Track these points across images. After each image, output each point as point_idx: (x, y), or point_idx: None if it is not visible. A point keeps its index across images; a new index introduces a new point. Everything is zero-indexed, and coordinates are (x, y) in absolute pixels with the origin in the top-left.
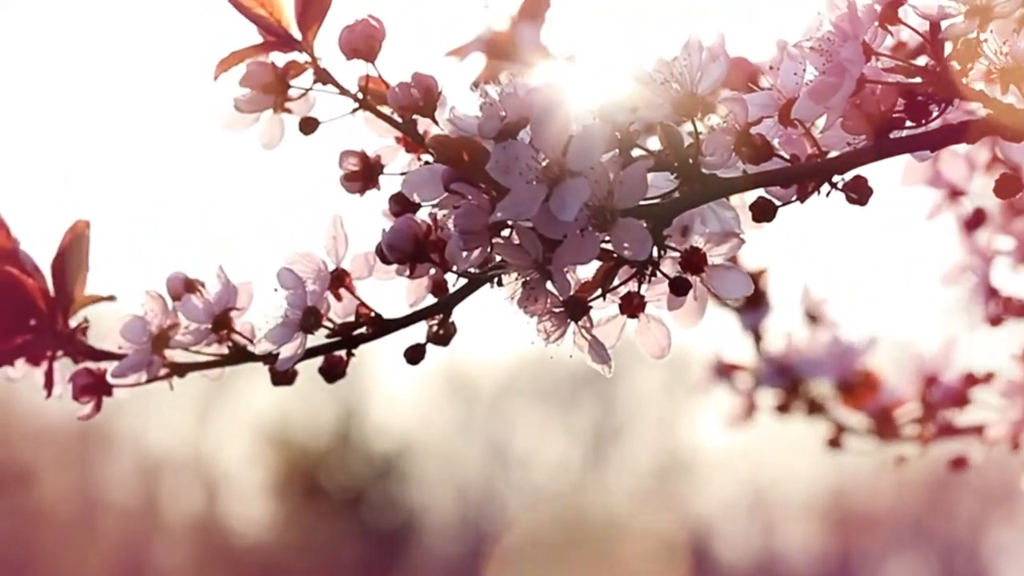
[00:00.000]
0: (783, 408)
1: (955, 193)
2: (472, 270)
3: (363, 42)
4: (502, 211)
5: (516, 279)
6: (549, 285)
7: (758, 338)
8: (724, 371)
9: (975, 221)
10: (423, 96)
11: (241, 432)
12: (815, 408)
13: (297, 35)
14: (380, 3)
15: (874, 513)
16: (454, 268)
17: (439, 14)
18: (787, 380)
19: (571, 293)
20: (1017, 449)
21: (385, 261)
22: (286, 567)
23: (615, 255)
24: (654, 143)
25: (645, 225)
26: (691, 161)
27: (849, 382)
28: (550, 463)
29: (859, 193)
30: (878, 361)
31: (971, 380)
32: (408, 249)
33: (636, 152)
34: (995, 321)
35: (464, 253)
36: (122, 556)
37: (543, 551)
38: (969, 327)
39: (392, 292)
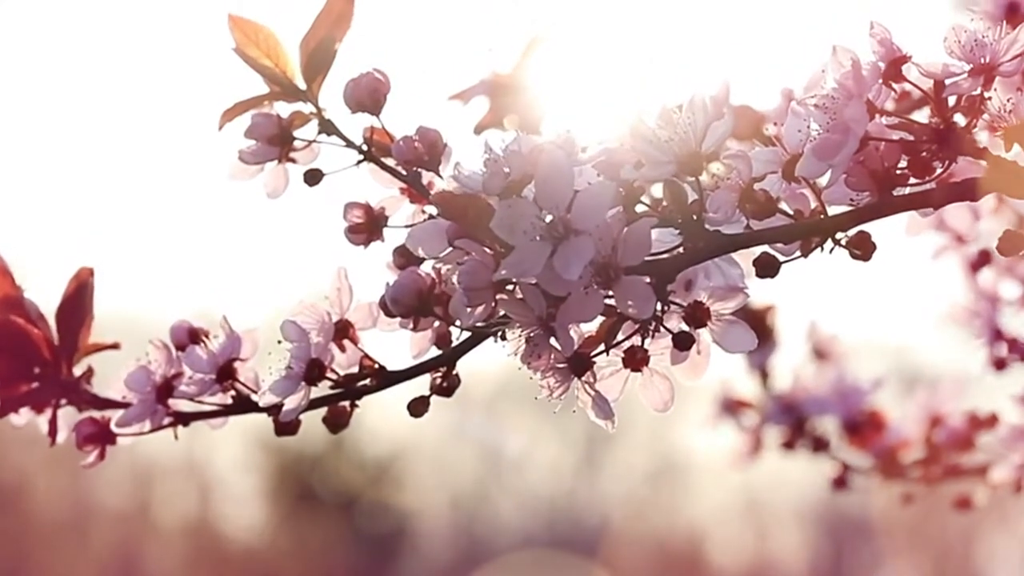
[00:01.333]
0: (788, 445)
1: (960, 238)
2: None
3: (368, 96)
4: (507, 269)
5: (520, 334)
6: (553, 341)
7: (765, 375)
8: (731, 407)
9: (980, 263)
10: (427, 150)
11: (234, 436)
12: (820, 446)
13: (302, 86)
14: (384, 53)
15: (867, 518)
16: (458, 323)
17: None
18: (793, 418)
19: (575, 348)
20: (1020, 492)
21: (389, 314)
22: (279, 572)
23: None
24: (658, 189)
25: (649, 280)
26: (695, 217)
27: (854, 421)
28: (543, 468)
29: (862, 249)
30: (883, 396)
31: (975, 423)
32: (412, 303)
33: (640, 207)
34: (1000, 364)
35: (468, 309)
36: (114, 560)
37: (536, 556)
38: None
39: (396, 340)
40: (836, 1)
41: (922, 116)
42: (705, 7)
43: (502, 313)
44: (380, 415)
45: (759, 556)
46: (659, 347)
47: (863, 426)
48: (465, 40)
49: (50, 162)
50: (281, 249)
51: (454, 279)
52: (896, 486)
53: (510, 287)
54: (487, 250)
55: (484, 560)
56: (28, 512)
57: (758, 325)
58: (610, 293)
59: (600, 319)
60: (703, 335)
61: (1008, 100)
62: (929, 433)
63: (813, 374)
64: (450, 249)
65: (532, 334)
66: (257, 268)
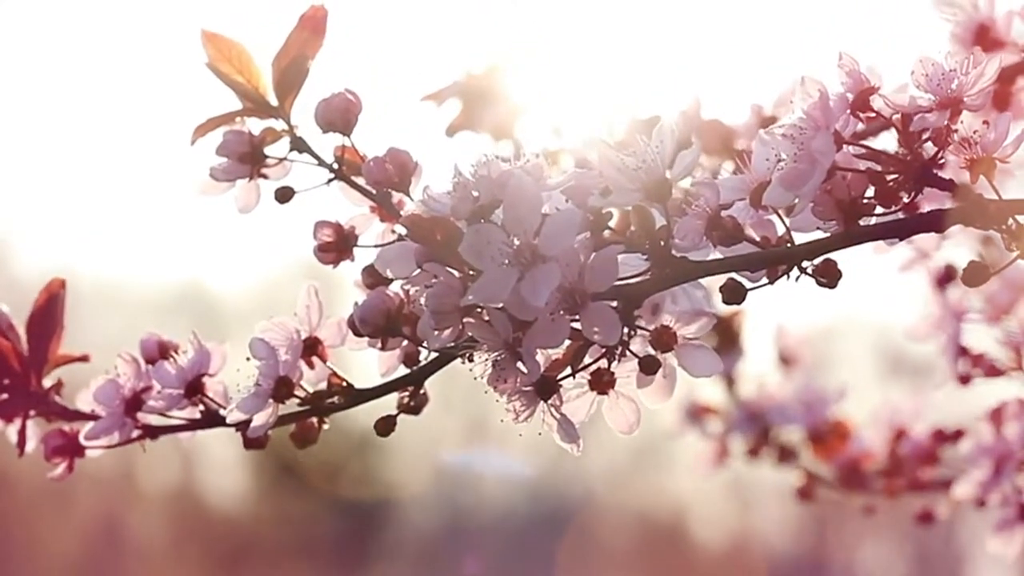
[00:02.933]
0: (753, 453)
1: (926, 253)
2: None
3: (339, 116)
4: (474, 295)
5: (486, 357)
6: (519, 364)
7: (731, 381)
8: (697, 414)
9: (945, 278)
10: (397, 171)
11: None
12: (785, 456)
13: (274, 102)
14: (355, 67)
15: None
16: (425, 345)
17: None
18: (758, 426)
19: (541, 373)
20: (983, 508)
21: (357, 334)
22: (262, 540)
23: None
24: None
25: (615, 305)
26: (662, 243)
27: (819, 431)
28: (527, 440)
29: (828, 277)
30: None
31: (940, 437)
32: (380, 323)
33: (607, 233)
34: (964, 379)
35: (435, 332)
36: (98, 527)
37: (519, 529)
38: None
39: (365, 356)
40: (807, 13)
41: (890, 137)
42: (678, 19)
43: (469, 335)
44: (365, 383)
45: (742, 532)
46: (625, 370)
47: (828, 436)
48: (440, 43)
49: (39, 134)
50: (268, 214)
51: (422, 300)
52: (859, 497)
53: (478, 310)
54: (455, 273)
55: (467, 531)
56: (10, 478)
57: (725, 331)
58: (577, 318)
59: (567, 342)
60: (669, 359)
61: (975, 132)
62: (893, 445)
63: (779, 381)
64: (418, 271)
65: (499, 358)
66: (244, 234)
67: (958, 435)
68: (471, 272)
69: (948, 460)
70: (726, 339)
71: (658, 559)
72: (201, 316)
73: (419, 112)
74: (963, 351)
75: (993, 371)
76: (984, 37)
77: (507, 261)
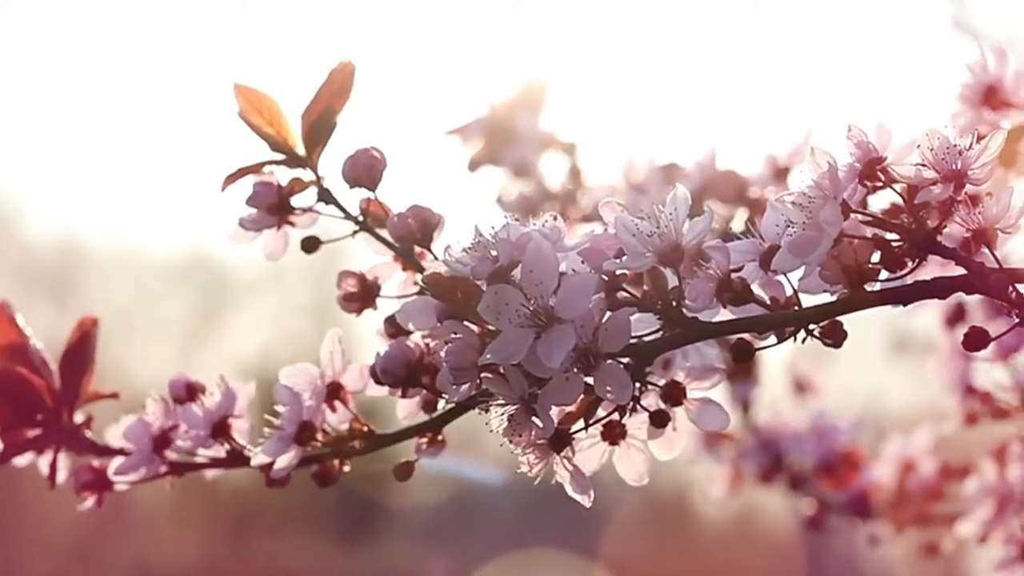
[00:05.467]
0: (765, 479)
1: None
2: None
3: (365, 172)
4: (492, 354)
5: (502, 412)
6: (534, 419)
7: (746, 407)
8: (712, 440)
9: (956, 316)
10: (419, 227)
11: (224, 370)
12: (797, 483)
13: (302, 153)
14: (382, 121)
15: None
16: (444, 397)
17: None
18: (771, 453)
19: (555, 427)
20: (985, 543)
21: (379, 383)
22: (265, 507)
23: None
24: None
25: (627, 362)
26: (674, 304)
27: (831, 461)
28: None
29: (834, 338)
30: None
31: (947, 472)
32: (401, 374)
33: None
34: (972, 419)
35: (454, 386)
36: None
37: (519, 501)
38: None
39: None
40: (818, 66)
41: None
42: (697, 67)
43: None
44: (373, 352)
45: (745, 506)
46: (636, 422)
47: (838, 465)
48: (465, 77)
49: (49, 99)
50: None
51: (442, 354)
52: (866, 527)
53: (495, 366)
54: (474, 330)
55: (472, 504)
56: None
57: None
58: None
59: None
60: (679, 413)
61: (979, 204)
62: (901, 479)
63: (792, 408)
64: (438, 324)
65: (514, 412)
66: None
67: (965, 472)
68: (490, 329)
69: (954, 496)
70: (742, 366)
71: (662, 534)
72: (209, 282)
73: (444, 146)
74: (971, 391)
75: (999, 412)
76: (992, 98)
77: (524, 322)
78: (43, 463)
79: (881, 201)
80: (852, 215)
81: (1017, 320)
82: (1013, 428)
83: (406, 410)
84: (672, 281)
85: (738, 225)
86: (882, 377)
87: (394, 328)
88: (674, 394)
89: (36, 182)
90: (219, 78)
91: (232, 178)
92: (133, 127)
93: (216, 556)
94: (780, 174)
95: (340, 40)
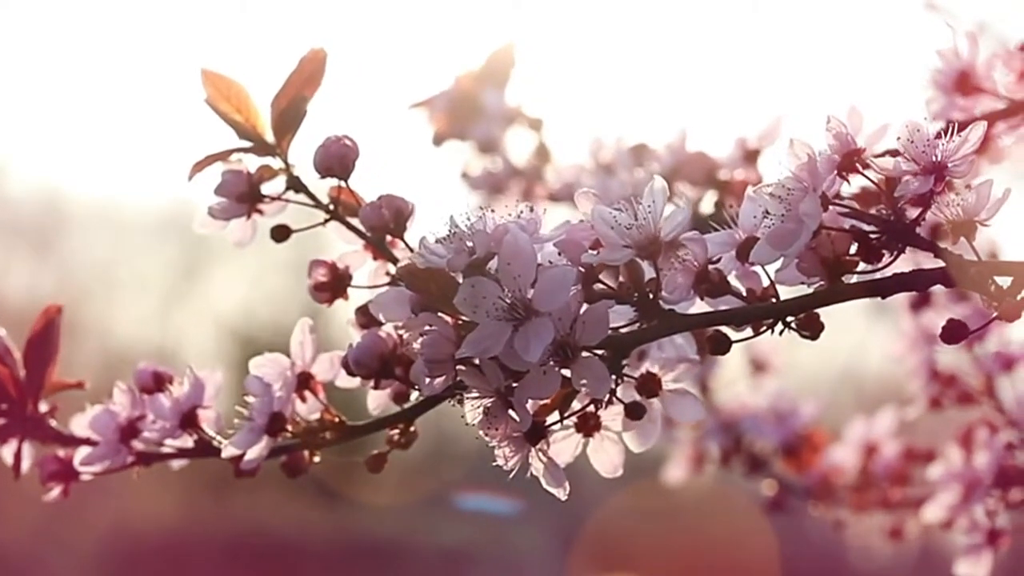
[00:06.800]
0: (725, 461)
1: None
2: None
3: (337, 161)
4: (468, 348)
5: (478, 404)
6: (510, 412)
7: (706, 390)
8: (671, 420)
9: (920, 303)
10: (393, 217)
11: (205, 327)
12: (756, 465)
13: (272, 140)
14: (352, 107)
15: None
16: (417, 389)
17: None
18: (731, 435)
19: (531, 420)
20: (950, 529)
21: (351, 374)
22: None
23: None
24: None
25: (604, 353)
26: (651, 296)
27: (791, 443)
28: None
29: (811, 330)
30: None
31: (911, 456)
32: (374, 366)
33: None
34: (935, 403)
35: (428, 379)
36: None
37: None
38: None
39: None
40: (789, 48)
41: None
42: (668, 47)
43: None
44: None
45: (725, 472)
46: (611, 413)
47: (800, 448)
48: (435, 48)
49: (30, 54)
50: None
51: (416, 346)
52: (829, 511)
53: (471, 359)
54: (449, 322)
55: (452, 457)
56: None
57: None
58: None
59: None
60: (654, 404)
61: (956, 196)
62: (865, 462)
63: (752, 388)
64: (413, 316)
65: (490, 405)
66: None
67: (929, 456)
68: (465, 321)
69: (920, 480)
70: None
71: (639, 497)
72: (191, 238)
73: (411, 120)
74: (936, 375)
75: (964, 397)
76: (965, 84)
77: (502, 315)
78: (6, 452)
79: (852, 187)
80: (830, 207)
81: (995, 314)
82: (979, 413)
83: (376, 401)
84: (649, 273)
85: (707, 206)
86: (864, 338)
87: (366, 318)
88: (650, 386)
89: (17, 137)
90: (197, 39)
91: (200, 166)
92: (114, 81)
93: (195, 514)
94: (750, 156)
95: (312, 21)
